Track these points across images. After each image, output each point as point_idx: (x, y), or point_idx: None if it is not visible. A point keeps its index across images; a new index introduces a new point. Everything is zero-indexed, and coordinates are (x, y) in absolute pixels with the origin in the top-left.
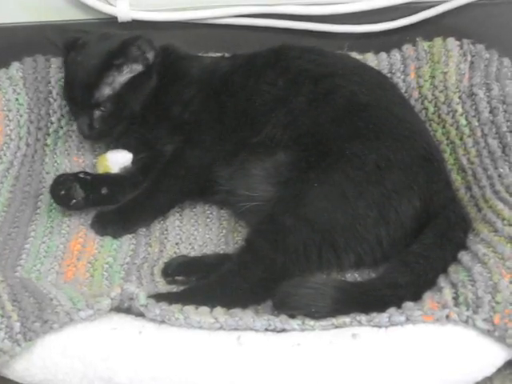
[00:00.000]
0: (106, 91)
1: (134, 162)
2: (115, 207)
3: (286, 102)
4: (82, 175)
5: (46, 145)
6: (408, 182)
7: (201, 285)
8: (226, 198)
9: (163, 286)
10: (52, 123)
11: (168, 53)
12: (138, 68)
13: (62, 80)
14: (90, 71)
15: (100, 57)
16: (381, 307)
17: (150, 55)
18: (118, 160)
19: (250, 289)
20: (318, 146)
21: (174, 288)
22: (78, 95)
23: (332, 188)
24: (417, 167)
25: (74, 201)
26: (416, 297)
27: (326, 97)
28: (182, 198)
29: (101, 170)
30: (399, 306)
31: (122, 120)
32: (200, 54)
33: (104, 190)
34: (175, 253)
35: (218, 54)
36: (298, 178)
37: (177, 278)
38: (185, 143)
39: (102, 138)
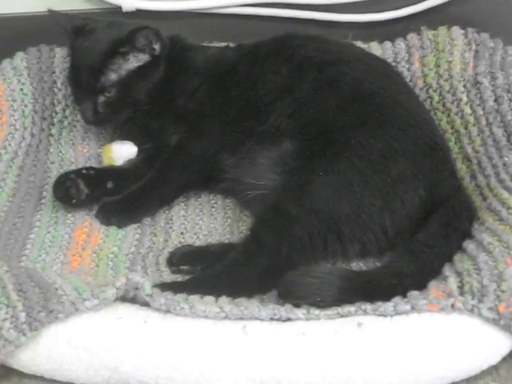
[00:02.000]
0: (112, 77)
1: (138, 153)
2: (120, 197)
3: (290, 90)
4: (84, 171)
5: (51, 135)
6: (413, 171)
7: (206, 274)
8: (232, 186)
9: (168, 276)
10: (57, 113)
11: (174, 43)
12: (144, 58)
13: (67, 70)
14: (96, 56)
15: (107, 43)
16: (386, 296)
17: (157, 46)
18: (122, 152)
19: (255, 278)
20: (323, 135)
21: (179, 277)
22: (84, 80)
23: (337, 177)
24: (422, 156)
25: (75, 200)
26: (421, 286)
27: (330, 84)
28: (186, 188)
29: (105, 160)
30: (404, 295)
31: (126, 107)
32: (205, 44)
33: (109, 184)
34: (180, 242)
35: (223, 44)
36: (303, 167)
37: (182, 267)
38: (190, 133)
39: (105, 123)
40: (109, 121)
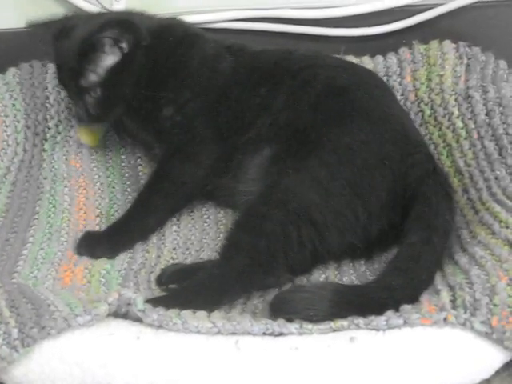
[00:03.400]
0: (91, 77)
1: None
2: (103, 231)
3: (268, 107)
4: None
5: (44, 150)
6: (379, 158)
7: (190, 283)
8: (226, 194)
9: (160, 293)
10: (49, 128)
11: (166, 34)
12: (115, 57)
13: (60, 86)
14: (72, 59)
15: (78, 44)
16: (378, 310)
17: (124, 44)
18: None
19: (235, 276)
20: (298, 136)
21: None
22: (68, 82)
23: (305, 173)
24: (390, 144)
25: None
26: (413, 298)
27: (304, 87)
28: (172, 215)
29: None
30: (397, 309)
31: (114, 105)
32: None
33: None
34: (172, 258)
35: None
36: (275, 170)
37: (170, 286)
38: (175, 154)
39: (99, 122)
40: (102, 120)
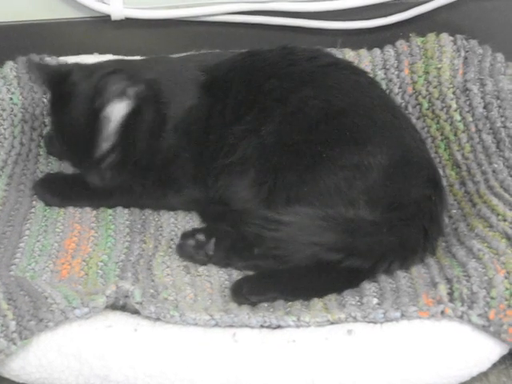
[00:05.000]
0: (104, 146)
1: None
2: (63, 176)
3: (255, 131)
4: None
5: (40, 146)
6: (382, 184)
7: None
8: (215, 214)
9: (159, 280)
10: (46, 126)
11: (156, 86)
12: (122, 109)
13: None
14: (80, 134)
15: (86, 113)
16: None
17: (131, 91)
18: None
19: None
20: (292, 152)
21: (173, 280)
22: (76, 156)
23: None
24: (392, 169)
25: None
26: None
27: (296, 114)
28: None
29: None
30: None
31: (130, 162)
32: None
33: None
34: (170, 247)
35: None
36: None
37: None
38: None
39: (112, 183)
40: (116, 180)
